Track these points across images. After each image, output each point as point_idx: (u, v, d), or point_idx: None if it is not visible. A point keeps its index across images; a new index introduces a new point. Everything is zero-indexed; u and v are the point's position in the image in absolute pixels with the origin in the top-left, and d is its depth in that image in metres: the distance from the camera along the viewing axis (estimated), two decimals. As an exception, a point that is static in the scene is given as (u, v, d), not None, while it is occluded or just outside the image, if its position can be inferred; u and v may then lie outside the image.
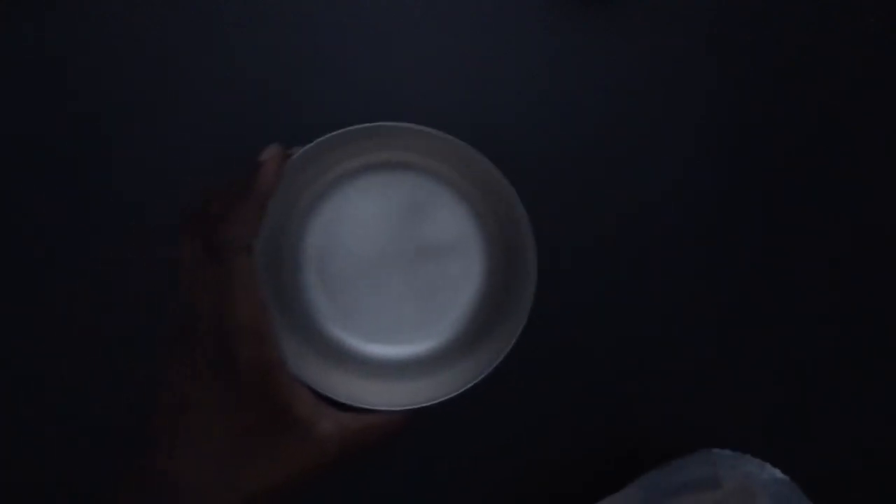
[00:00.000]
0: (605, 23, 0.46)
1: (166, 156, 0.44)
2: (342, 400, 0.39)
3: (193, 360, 0.34)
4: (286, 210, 0.42)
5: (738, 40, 0.46)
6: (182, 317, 0.35)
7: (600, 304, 0.44)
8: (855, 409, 0.44)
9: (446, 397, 0.38)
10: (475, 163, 0.41)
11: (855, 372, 0.45)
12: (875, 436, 0.44)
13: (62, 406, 0.43)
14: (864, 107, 0.46)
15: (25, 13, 0.45)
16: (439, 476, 0.44)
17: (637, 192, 0.45)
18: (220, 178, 0.44)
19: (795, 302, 0.45)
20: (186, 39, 0.45)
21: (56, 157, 0.44)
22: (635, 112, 0.45)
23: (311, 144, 0.40)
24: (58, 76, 0.45)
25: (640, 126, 0.45)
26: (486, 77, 0.45)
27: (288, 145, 0.45)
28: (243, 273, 0.35)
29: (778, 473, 0.36)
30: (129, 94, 0.45)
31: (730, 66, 0.46)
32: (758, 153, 0.45)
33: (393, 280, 0.43)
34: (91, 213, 0.44)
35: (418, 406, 0.38)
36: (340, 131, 0.40)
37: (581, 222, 0.43)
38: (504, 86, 0.45)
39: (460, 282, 0.43)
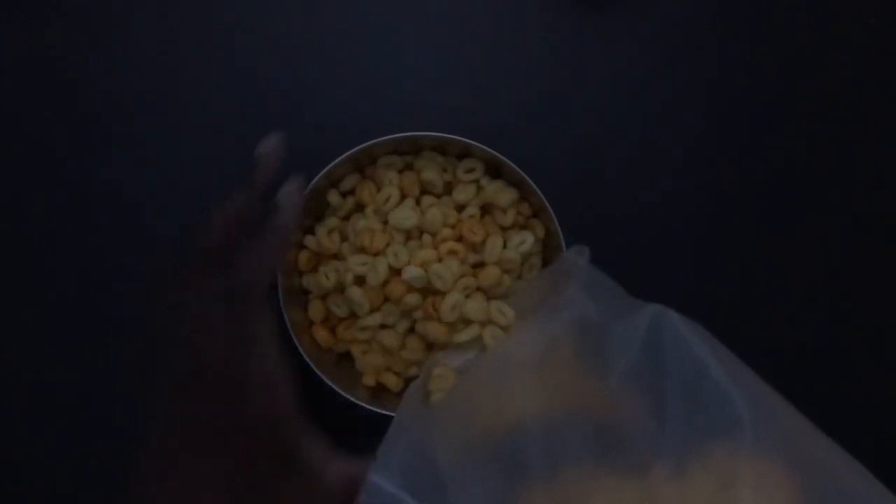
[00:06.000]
0: (605, 22, 0.46)
1: (166, 156, 0.44)
2: (385, 412, 0.38)
3: (196, 410, 0.30)
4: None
5: (738, 40, 0.46)
6: (185, 362, 0.30)
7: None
8: (854, 408, 0.44)
9: None
10: (511, 175, 0.40)
11: (854, 370, 0.45)
12: (875, 435, 0.44)
13: (60, 408, 0.43)
14: (864, 107, 0.46)
15: (25, 13, 0.45)
16: None
17: (637, 191, 0.45)
18: (226, 195, 0.37)
19: (795, 301, 0.45)
20: (186, 39, 0.45)
21: (56, 157, 0.44)
22: (635, 111, 0.45)
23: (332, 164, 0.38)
24: (58, 76, 0.45)
25: (639, 125, 0.45)
26: (486, 77, 0.45)
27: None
28: (261, 319, 0.30)
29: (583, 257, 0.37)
30: (129, 94, 0.45)
31: (730, 65, 0.46)
32: (757, 153, 0.45)
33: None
34: (91, 213, 0.44)
35: None
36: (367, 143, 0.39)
37: (580, 221, 0.43)
38: (504, 86, 0.45)
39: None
